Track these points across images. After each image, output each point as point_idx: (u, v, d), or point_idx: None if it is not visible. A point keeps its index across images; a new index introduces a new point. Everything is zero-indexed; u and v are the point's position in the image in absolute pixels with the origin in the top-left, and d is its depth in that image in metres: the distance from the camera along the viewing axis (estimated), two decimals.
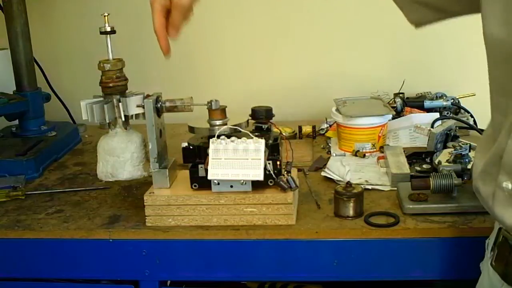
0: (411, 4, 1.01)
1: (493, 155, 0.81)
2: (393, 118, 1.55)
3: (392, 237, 1.09)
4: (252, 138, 1.10)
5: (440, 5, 0.99)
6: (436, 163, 1.27)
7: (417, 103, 1.66)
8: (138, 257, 1.14)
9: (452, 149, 1.29)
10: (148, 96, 1.16)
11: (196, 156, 1.14)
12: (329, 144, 1.57)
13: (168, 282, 1.22)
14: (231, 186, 1.11)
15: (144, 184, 1.29)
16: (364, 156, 1.44)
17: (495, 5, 0.77)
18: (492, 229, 0.91)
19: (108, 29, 1.16)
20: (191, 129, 1.17)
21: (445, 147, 1.38)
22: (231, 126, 1.12)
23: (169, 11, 1.04)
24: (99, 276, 1.19)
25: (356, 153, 1.45)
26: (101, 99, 1.18)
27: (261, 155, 1.08)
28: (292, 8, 1.82)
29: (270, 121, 1.20)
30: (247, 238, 1.11)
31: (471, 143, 1.29)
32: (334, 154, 1.48)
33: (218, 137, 1.10)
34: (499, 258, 0.86)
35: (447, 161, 1.26)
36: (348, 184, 1.14)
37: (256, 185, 1.11)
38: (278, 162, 1.12)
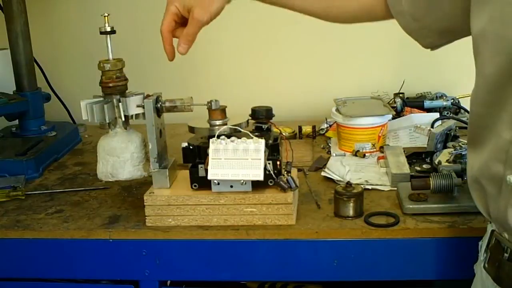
0: (420, 31, 1.01)
1: (496, 150, 0.81)
2: (393, 118, 1.55)
3: (392, 237, 1.09)
4: (252, 138, 1.10)
5: (446, 27, 0.98)
6: (436, 163, 1.27)
7: (417, 103, 1.66)
8: (138, 257, 1.14)
9: (452, 149, 1.29)
10: (148, 96, 1.17)
11: (196, 156, 1.14)
12: (329, 144, 1.57)
13: (168, 282, 1.22)
14: (231, 186, 1.11)
15: (144, 184, 1.29)
16: (364, 156, 1.44)
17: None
18: None
19: (108, 29, 1.16)
20: (191, 129, 1.17)
21: (445, 147, 1.38)
22: (231, 126, 1.12)
23: (182, 20, 1.06)
24: (99, 276, 1.19)
25: (356, 153, 1.45)
26: (101, 99, 1.18)
27: (261, 155, 1.08)
28: None
29: (270, 121, 1.20)
30: (247, 238, 1.11)
31: None
32: (334, 154, 1.48)
33: (218, 137, 1.10)
34: (492, 261, 0.86)
35: (447, 161, 1.26)
36: (348, 184, 1.14)
37: (256, 185, 1.11)
38: (278, 162, 1.12)
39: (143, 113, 1.15)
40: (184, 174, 1.19)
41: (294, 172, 1.16)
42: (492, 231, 0.87)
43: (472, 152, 0.88)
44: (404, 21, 1.02)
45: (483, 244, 0.91)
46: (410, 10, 1.00)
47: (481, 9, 0.80)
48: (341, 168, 1.35)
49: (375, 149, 1.46)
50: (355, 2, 1.07)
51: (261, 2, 1.13)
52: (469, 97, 1.73)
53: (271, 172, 1.10)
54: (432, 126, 1.46)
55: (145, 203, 1.14)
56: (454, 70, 1.82)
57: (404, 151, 1.39)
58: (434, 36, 1.01)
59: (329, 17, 1.11)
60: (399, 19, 1.02)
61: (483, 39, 0.80)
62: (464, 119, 1.55)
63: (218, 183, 1.11)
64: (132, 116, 1.18)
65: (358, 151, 1.45)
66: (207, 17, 1.05)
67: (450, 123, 1.42)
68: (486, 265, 0.87)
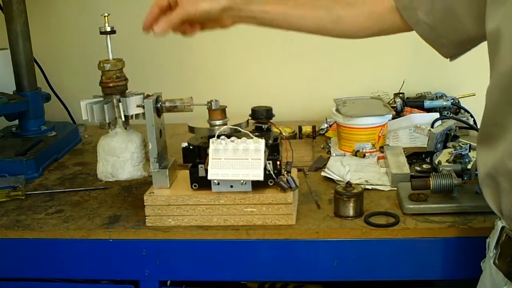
0: (438, 40, 1.03)
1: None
2: (393, 118, 1.55)
3: (392, 237, 1.09)
4: (252, 138, 1.10)
5: (462, 36, 0.99)
6: (436, 163, 1.27)
7: (417, 103, 1.66)
8: (138, 257, 1.14)
9: (452, 149, 1.29)
10: (148, 96, 1.17)
11: (196, 156, 1.14)
12: (329, 144, 1.57)
13: (168, 282, 1.22)
14: (231, 186, 1.11)
15: (144, 184, 1.29)
16: (364, 156, 1.44)
17: None
18: (492, 228, 0.91)
19: (108, 29, 1.16)
20: (191, 129, 1.17)
21: (445, 147, 1.38)
22: (231, 126, 1.12)
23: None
24: (99, 276, 1.19)
25: (356, 153, 1.45)
26: (101, 99, 1.18)
27: (261, 155, 1.08)
28: None
29: (270, 121, 1.20)
30: (247, 238, 1.11)
31: (471, 143, 1.29)
32: (334, 154, 1.48)
33: (218, 137, 1.10)
34: (503, 257, 0.86)
35: (447, 161, 1.26)
36: (348, 184, 1.14)
37: (256, 185, 1.11)
38: (278, 162, 1.12)
39: (143, 113, 1.15)
40: (184, 174, 1.19)
41: (294, 172, 1.16)
42: (502, 227, 0.87)
43: (484, 149, 0.88)
44: (422, 31, 1.04)
45: (491, 241, 0.91)
46: (426, 19, 1.02)
47: (497, 9, 0.81)
48: (341, 168, 1.35)
49: (375, 149, 1.46)
50: (362, 9, 1.08)
51: (265, 27, 1.12)
52: (469, 97, 1.74)
53: (271, 172, 1.10)
54: (432, 126, 1.46)
55: (145, 203, 1.14)
56: (454, 70, 1.81)
57: (404, 151, 1.39)
58: (451, 45, 1.03)
59: (338, 30, 1.13)
60: (417, 28, 1.05)
61: (498, 38, 0.81)
62: (464, 119, 1.55)
63: (218, 183, 1.11)
64: (132, 116, 1.18)
65: (358, 151, 1.45)
66: (193, 10, 1.04)
67: (450, 123, 1.42)
68: (497, 261, 0.88)
